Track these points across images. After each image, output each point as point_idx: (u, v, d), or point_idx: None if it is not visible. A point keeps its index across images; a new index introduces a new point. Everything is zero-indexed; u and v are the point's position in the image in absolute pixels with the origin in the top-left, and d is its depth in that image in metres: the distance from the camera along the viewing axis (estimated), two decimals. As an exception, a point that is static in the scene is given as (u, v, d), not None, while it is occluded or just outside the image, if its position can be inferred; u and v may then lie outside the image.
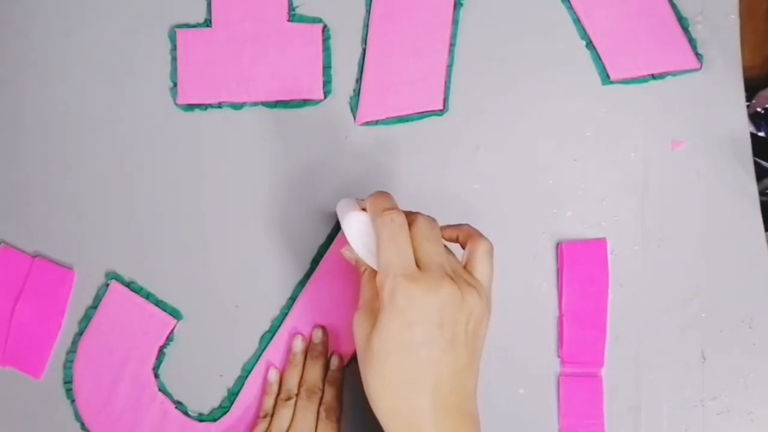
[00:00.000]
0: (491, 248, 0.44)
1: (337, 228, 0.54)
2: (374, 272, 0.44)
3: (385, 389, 0.40)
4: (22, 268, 0.55)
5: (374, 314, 0.41)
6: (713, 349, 0.53)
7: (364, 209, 0.45)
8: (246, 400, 0.53)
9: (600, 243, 0.53)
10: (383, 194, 0.44)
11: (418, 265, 0.41)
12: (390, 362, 0.39)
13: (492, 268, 0.44)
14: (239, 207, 0.55)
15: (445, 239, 0.45)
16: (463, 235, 0.45)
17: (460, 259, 0.44)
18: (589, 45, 0.54)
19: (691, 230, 0.53)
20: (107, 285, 0.55)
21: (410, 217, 0.43)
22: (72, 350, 0.54)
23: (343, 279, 0.53)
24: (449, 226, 0.46)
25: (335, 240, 0.54)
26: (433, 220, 0.43)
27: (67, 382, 0.54)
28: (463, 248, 0.45)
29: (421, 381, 0.39)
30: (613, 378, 0.52)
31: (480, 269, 0.43)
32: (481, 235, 0.44)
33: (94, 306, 0.54)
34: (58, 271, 0.55)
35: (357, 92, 0.55)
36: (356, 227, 0.44)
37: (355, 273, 0.52)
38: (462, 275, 0.42)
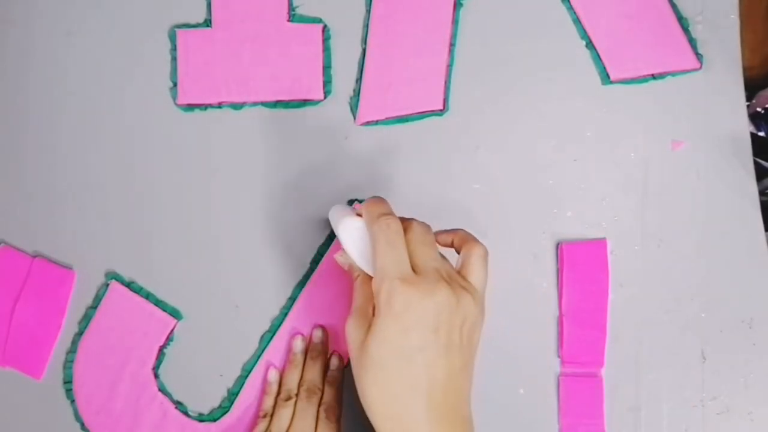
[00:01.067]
0: (486, 253, 0.44)
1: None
2: (367, 277, 0.44)
3: (380, 394, 0.40)
4: (22, 268, 0.55)
5: (367, 319, 0.42)
6: (713, 349, 0.53)
7: (358, 215, 0.45)
8: (246, 400, 0.53)
9: (600, 243, 0.53)
10: (379, 200, 0.44)
11: (414, 270, 0.41)
12: (386, 368, 0.40)
13: (486, 272, 0.44)
14: (239, 207, 0.55)
15: (440, 244, 0.45)
16: (458, 239, 0.45)
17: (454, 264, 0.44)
18: (589, 45, 0.54)
19: (691, 230, 0.53)
20: (107, 285, 0.55)
21: (405, 222, 0.43)
22: (72, 350, 0.54)
23: (342, 279, 0.53)
24: (444, 231, 0.46)
25: (334, 242, 0.54)
26: (428, 225, 0.43)
27: (67, 382, 0.54)
28: (458, 253, 0.45)
29: (416, 386, 0.40)
30: (613, 378, 0.52)
31: (474, 274, 0.43)
32: (475, 240, 0.44)
33: (94, 306, 0.55)
34: (58, 271, 0.55)
35: (357, 92, 0.55)
36: (351, 232, 0.44)
37: (351, 275, 0.52)
38: (457, 280, 0.42)
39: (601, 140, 0.54)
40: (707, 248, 0.53)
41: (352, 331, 0.42)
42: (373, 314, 0.41)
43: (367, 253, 0.43)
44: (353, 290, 0.45)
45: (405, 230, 0.42)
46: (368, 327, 0.41)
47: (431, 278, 0.40)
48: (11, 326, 0.55)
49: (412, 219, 0.44)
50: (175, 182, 0.55)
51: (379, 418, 0.40)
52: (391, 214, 0.42)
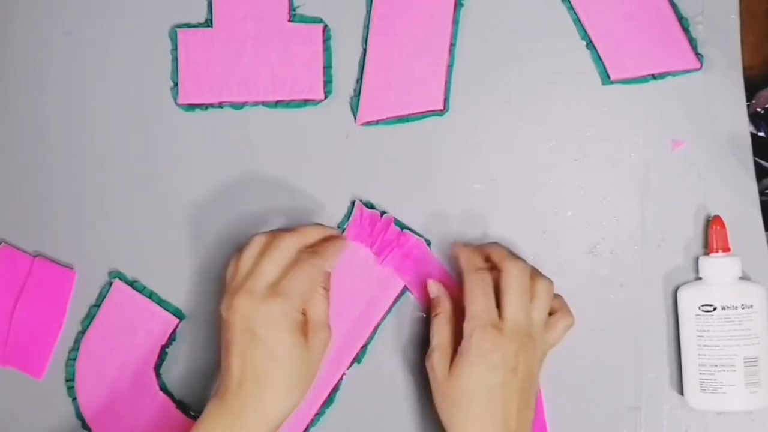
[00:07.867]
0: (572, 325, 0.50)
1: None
2: (449, 316, 0.50)
3: (468, 421, 0.46)
4: (22, 268, 0.55)
5: (449, 355, 0.48)
6: (713, 349, 0.52)
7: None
8: (246, 400, 0.53)
9: None
10: (475, 251, 0.51)
11: (501, 315, 0.47)
12: (474, 398, 0.46)
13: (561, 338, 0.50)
14: (240, 206, 0.55)
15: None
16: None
17: None
18: (590, 45, 0.54)
19: (691, 230, 0.53)
20: (110, 283, 0.55)
21: (506, 263, 0.48)
22: (74, 348, 0.54)
23: (338, 278, 0.53)
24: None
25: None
26: (525, 267, 0.49)
27: (69, 380, 0.54)
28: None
29: (495, 415, 0.46)
30: (613, 378, 0.53)
31: (553, 335, 0.49)
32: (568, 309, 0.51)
33: (97, 304, 0.55)
34: (59, 271, 0.55)
35: (357, 92, 0.55)
36: None
37: (349, 271, 0.52)
38: (536, 329, 0.48)
39: (601, 140, 0.54)
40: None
41: (436, 365, 0.48)
42: (454, 352, 0.47)
43: None
44: (432, 325, 0.50)
45: (503, 273, 0.48)
46: (450, 362, 0.47)
47: (515, 327, 0.47)
48: (12, 326, 0.55)
49: (512, 259, 0.49)
50: (176, 182, 0.55)
51: None
52: (485, 269, 0.49)
